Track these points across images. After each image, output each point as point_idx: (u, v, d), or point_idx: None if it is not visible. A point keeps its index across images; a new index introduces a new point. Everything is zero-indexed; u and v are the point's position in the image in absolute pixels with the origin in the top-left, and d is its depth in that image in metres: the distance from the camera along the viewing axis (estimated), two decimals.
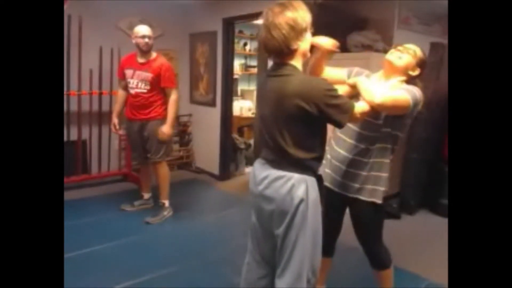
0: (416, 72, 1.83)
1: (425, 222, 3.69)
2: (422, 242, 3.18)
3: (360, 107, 1.58)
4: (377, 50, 3.51)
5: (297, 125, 1.50)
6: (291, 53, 1.50)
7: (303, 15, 1.47)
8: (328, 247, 2.12)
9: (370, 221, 1.96)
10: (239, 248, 2.70)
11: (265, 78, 1.63)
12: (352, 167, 1.87)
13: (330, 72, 1.94)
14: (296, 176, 1.52)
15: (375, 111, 1.65)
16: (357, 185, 1.86)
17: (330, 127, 1.61)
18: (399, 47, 1.85)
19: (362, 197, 1.86)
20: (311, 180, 1.56)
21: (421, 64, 1.83)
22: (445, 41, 4.16)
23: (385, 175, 1.86)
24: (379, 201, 1.85)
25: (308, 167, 1.56)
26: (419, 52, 1.84)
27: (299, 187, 1.51)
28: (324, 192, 1.98)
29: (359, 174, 1.85)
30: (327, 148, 1.89)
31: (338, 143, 1.94)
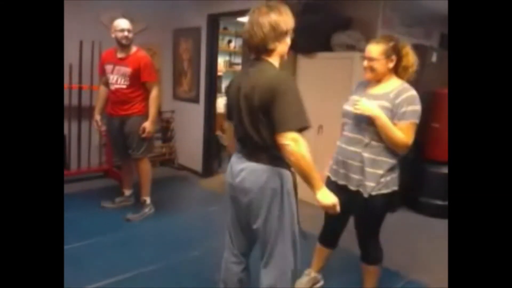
0: (393, 62, 1.87)
1: (405, 220, 3.76)
2: (402, 240, 3.24)
3: (302, 146, 1.44)
4: (360, 50, 3.55)
5: (267, 117, 1.51)
6: (268, 52, 1.57)
7: (286, 20, 1.56)
8: (333, 239, 2.21)
9: (368, 214, 1.97)
10: (221, 245, 2.68)
11: (238, 75, 1.69)
12: (352, 160, 1.92)
13: None
14: (271, 169, 1.57)
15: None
16: (362, 180, 1.89)
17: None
18: (365, 62, 1.89)
19: (364, 194, 1.89)
20: (286, 173, 1.60)
21: (391, 51, 1.85)
22: (427, 42, 4.24)
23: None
24: (365, 194, 1.88)
25: (281, 160, 1.57)
26: (381, 48, 1.85)
27: (274, 179, 1.56)
28: (330, 188, 2.03)
29: (359, 166, 1.89)
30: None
31: (343, 140, 1.99)
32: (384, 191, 1.88)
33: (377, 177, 1.85)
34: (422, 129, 4.11)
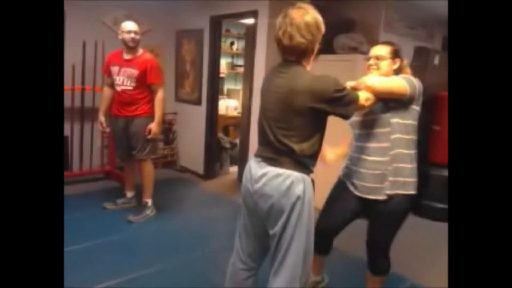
0: (397, 64, 1.88)
1: (408, 224, 3.73)
2: (404, 243, 3.22)
3: (364, 94, 1.65)
4: (362, 53, 3.55)
5: (305, 122, 1.53)
6: (310, 53, 1.56)
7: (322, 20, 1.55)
8: (325, 245, 2.15)
9: (385, 224, 1.94)
10: (222, 248, 2.68)
11: (271, 75, 1.64)
12: (364, 167, 1.88)
13: None
14: (295, 174, 1.54)
15: (377, 98, 1.71)
16: (377, 185, 1.85)
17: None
18: (371, 60, 1.89)
19: (380, 197, 1.86)
20: (308, 179, 1.58)
21: (396, 54, 1.88)
22: (429, 45, 4.24)
23: (408, 166, 1.86)
24: (405, 191, 1.85)
25: (306, 166, 1.58)
26: (388, 48, 1.87)
27: (297, 185, 1.53)
28: (339, 190, 2.05)
29: (376, 173, 1.86)
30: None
31: (353, 148, 1.97)
32: (402, 192, 1.85)
33: (395, 178, 1.83)
34: (424, 132, 4.12)
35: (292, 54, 1.54)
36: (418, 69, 3.76)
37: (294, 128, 1.53)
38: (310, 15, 1.50)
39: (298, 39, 1.48)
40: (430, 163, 3.94)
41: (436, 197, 3.81)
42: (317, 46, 1.56)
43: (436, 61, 3.86)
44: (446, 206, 3.72)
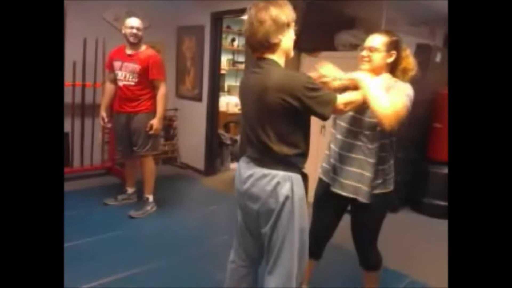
0: (392, 57, 1.77)
1: (408, 220, 3.75)
2: (404, 240, 3.24)
3: (345, 98, 1.57)
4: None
5: (280, 120, 1.49)
6: (272, 47, 1.51)
7: (286, 12, 1.51)
8: (317, 250, 2.07)
9: (367, 220, 1.89)
10: (223, 244, 2.69)
11: (247, 75, 1.64)
12: (345, 164, 1.83)
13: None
14: (280, 174, 1.52)
15: (364, 105, 1.64)
16: (351, 183, 1.81)
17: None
18: (364, 51, 1.80)
19: (348, 194, 1.82)
20: (296, 178, 1.55)
21: (393, 46, 1.77)
22: (431, 42, 4.22)
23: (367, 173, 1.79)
24: (363, 200, 1.79)
25: (292, 164, 1.55)
26: (383, 40, 1.76)
27: (284, 184, 1.51)
28: (321, 191, 1.98)
29: (352, 171, 1.81)
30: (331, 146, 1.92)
31: (333, 141, 1.91)
32: (382, 190, 1.82)
33: (373, 180, 1.78)
34: (425, 130, 4.12)
35: (261, 49, 1.52)
36: (419, 67, 3.74)
37: (271, 127, 1.50)
38: (270, 8, 1.48)
39: (262, 32, 1.47)
40: (431, 161, 3.94)
41: (438, 195, 3.82)
42: (287, 39, 1.53)
43: (438, 58, 3.84)
44: (446, 203, 3.73)
